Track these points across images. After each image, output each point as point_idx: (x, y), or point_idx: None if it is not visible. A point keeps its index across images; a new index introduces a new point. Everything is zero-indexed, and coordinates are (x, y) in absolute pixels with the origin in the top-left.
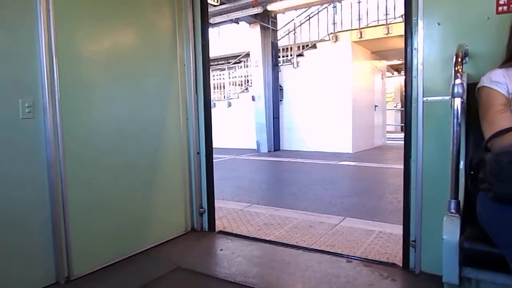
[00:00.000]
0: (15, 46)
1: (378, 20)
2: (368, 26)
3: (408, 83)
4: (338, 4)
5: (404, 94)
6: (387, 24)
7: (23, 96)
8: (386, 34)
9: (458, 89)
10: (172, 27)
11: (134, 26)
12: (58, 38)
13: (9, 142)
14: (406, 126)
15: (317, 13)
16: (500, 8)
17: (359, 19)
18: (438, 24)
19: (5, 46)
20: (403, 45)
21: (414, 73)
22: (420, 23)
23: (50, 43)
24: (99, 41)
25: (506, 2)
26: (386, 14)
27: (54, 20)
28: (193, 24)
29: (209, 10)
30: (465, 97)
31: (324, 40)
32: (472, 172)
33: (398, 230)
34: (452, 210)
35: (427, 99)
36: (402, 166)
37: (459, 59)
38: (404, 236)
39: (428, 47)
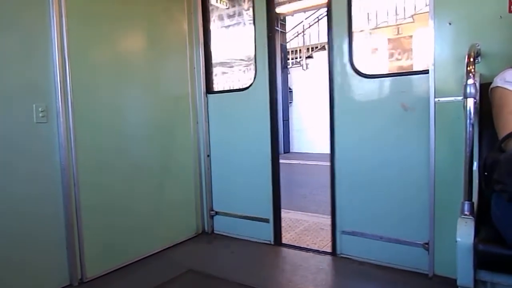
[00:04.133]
0: (29, 52)
1: (388, 21)
2: (378, 27)
3: None
4: None
5: None
6: (397, 24)
7: (37, 100)
8: (396, 34)
9: (470, 89)
10: (182, 30)
11: (144, 31)
12: (70, 44)
13: (24, 146)
14: None
15: (326, 15)
16: None
17: (369, 20)
18: (449, 23)
19: (19, 52)
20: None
21: None
22: (431, 23)
23: (63, 49)
24: (110, 46)
25: None
26: (396, 15)
27: (66, 26)
28: (203, 27)
29: (218, 13)
30: (478, 97)
31: None
32: (486, 173)
33: None
34: (466, 212)
35: (438, 100)
36: None
37: (471, 59)
38: None
39: (439, 47)
